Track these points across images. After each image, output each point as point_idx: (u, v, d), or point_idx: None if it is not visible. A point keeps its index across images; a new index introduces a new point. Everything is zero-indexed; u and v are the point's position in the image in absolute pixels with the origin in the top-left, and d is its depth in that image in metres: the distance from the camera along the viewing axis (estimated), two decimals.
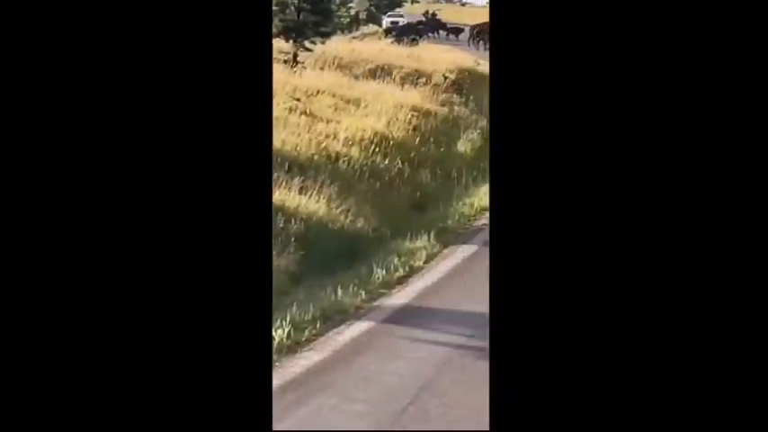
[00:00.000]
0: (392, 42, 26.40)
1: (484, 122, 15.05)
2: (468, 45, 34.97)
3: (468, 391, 4.69)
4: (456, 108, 15.81)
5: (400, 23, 38.21)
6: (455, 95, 17.12)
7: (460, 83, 18.83)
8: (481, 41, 36.05)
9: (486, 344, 5.27)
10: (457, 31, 38.87)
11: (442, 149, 12.08)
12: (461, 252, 7.65)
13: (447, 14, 52.81)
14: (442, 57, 22.32)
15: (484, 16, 55.13)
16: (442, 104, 15.65)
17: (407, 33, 31.05)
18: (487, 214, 9.24)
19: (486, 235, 8.28)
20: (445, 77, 18.38)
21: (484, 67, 23.73)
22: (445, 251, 7.68)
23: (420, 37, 31.88)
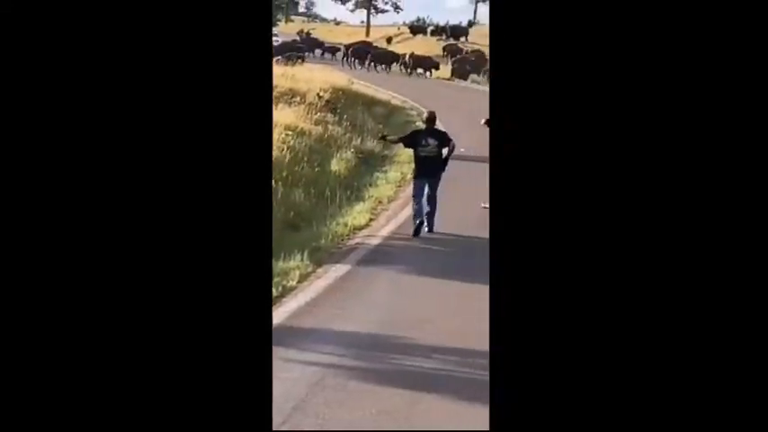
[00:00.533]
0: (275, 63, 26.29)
1: (357, 141, 15.26)
2: (342, 64, 35.40)
3: (340, 409, 4.76)
4: (330, 127, 15.89)
5: (274, 43, 38.15)
6: (329, 114, 17.22)
7: (335, 102, 18.95)
8: (356, 60, 36.63)
9: (356, 363, 5.38)
10: (334, 50, 39.32)
11: (316, 169, 12.12)
12: (334, 272, 7.71)
13: (321, 33, 53.19)
14: (316, 76, 22.40)
15: (359, 35, 56.01)
16: (317, 123, 15.73)
17: (285, 52, 31.09)
18: (360, 233, 9.34)
19: (358, 255, 8.38)
20: (319, 96, 18.45)
21: (357, 86, 24.07)
22: (319, 270, 7.72)
23: (303, 57, 32.06)
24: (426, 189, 9.23)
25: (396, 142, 10.79)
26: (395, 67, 36.96)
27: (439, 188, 9.45)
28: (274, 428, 4.40)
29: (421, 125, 11.97)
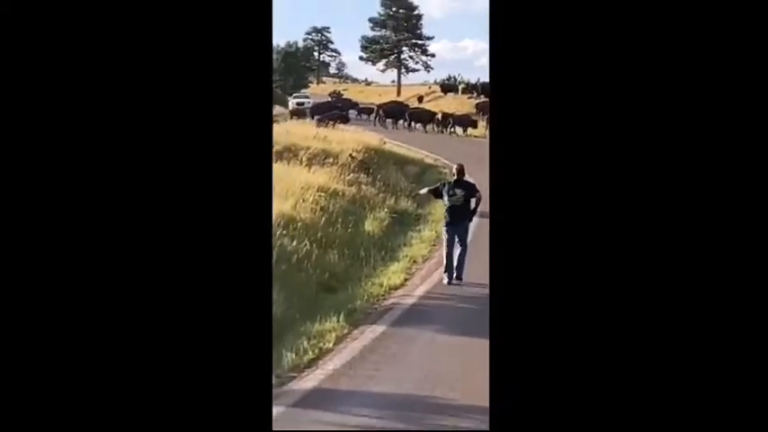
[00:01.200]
0: (317, 125, 26.31)
1: (391, 201, 15.28)
2: (375, 124, 35.63)
3: None
4: (363, 187, 15.90)
5: (305, 104, 38.61)
6: (362, 175, 17.27)
7: (368, 162, 19.04)
8: (388, 120, 36.86)
9: (393, 424, 5.38)
10: (368, 111, 39.59)
11: (349, 230, 12.13)
12: (370, 332, 7.72)
13: (352, 93, 53.63)
14: (348, 137, 22.58)
15: (390, 95, 56.30)
16: (350, 184, 15.76)
17: (323, 113, 31.41)
18: (395, 293, 9.36)
19: (393, 315, 8.40)
20: (352, 157, 18.56)
21: (389, 146, 24.18)
22: (355, 332, 7.73)
23: (347, 118, 32.21)
24: (456, 239, 9.73)
25: (426, 193, 11.13)
26: (428, 126, 37.01)
27: (469, 238, 9.82)
28: None
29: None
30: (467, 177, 10.28)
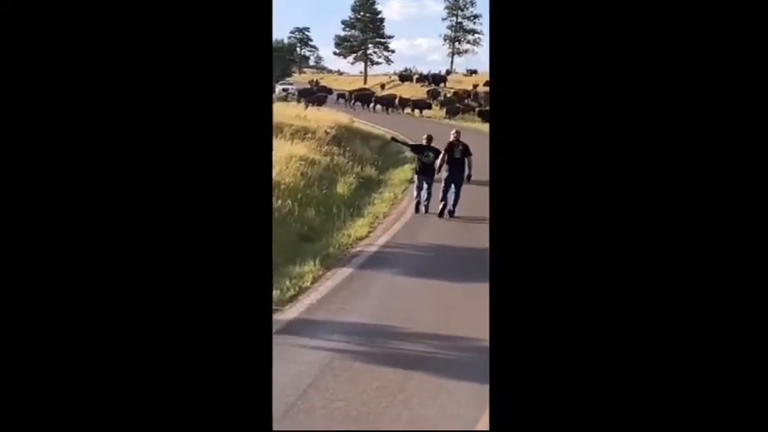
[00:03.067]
0: (305, 106, 27.16)
1: (358, 169, 15.31)
2: (347, 107, 35.70)
3: (346, 385, 4.75)
4: (336, 157, 15.93)
5: (289, 90, 38.56)
6: (335, 147, 17.24)
7: (339, 137, 19.00)
8: (357, 103, 36.82)
9: (359, 347, 5.37)
10: (343, 96, 39.80)
11: (324, 191, 12.18)
12: (340, 274, 7.74)
13: (327, 82, 53.20)
14: (323, 116, 22.47)
15: (358, 83, 56.11)
16: (325, 155, 15.76)
17: (309, 96, 33.75)
18: (360, 243, 9.36)
19: (359, 260, 8.40)
20: (327, 133, 18.51)
21: (357, 124, 24.13)
22: (328, 273, 7.73)
23: (324, 101, 33.89)
24: (425, 185, 11.19)
25: (406, 145, 12.70)
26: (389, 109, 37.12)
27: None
28: (291, 399, 4.41)
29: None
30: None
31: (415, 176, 11.73)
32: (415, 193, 11.45)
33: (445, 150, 10.97)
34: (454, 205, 10.91)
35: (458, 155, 10.86)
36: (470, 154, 10.84)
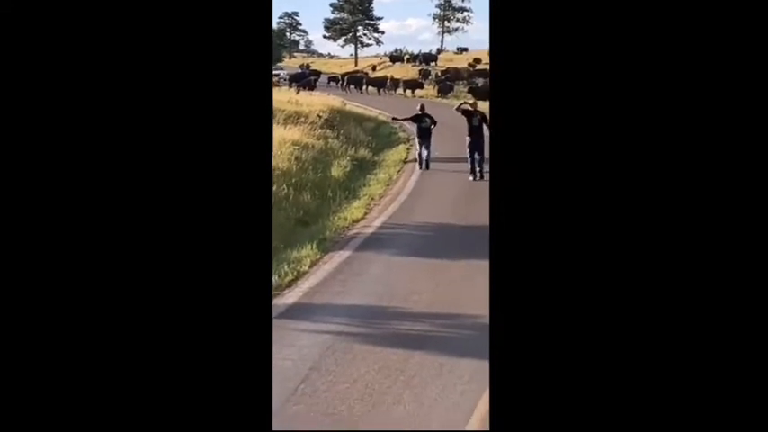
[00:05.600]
0: (296, 91, 26.48)
1: (352, 151, 15.22)
2: (341, 89, 35.55)
3: (348, 367, 4.75)
4: (329, 141, 15.84)
5: (280, 75, 38.22)
6: (328, 131, 17.15)
7: (332, 120, 18.90)
8: (351, 86, 36.62)
9: (359, 329, 5.37)
10: (336, 79, 39.49)
11: (319, 175, 12.10)
12: (338, 257, 7.71)
13: (318, 66, 52.93)
14: (316, 100, 22.30)
15: (349, 66, 55.79)
16: (318, 138, 15.66)
17: (301, 80, 33.30)
18: (357, 225, 9.32)
19: (356, 242, 8.37)
20: (319, 117, 18.42)
21: (350, 107, 23.98)
22: (325, 257, 7.70)
23: (314, 85, 33.44)
24: (423, 146, 13.45)
25: (407, 120, 14.45)
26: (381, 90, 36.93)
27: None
28: (293, 384, 4.41)
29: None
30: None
31: (416, 140, 13.89)
32: (417, 154, 13.75)
33: (465, 112, 12.57)
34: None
35: (476, 123, 12.34)
36: (487, 122, 11.98)
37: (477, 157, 12.13)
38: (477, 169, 12.13)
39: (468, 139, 12.28)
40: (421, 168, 13.28)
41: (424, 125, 13.51)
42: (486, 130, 11.86)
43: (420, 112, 13.72)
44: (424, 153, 13.43)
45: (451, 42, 66.67)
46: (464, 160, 12.40)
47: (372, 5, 68.10)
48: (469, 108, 12.62)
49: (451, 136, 14.34)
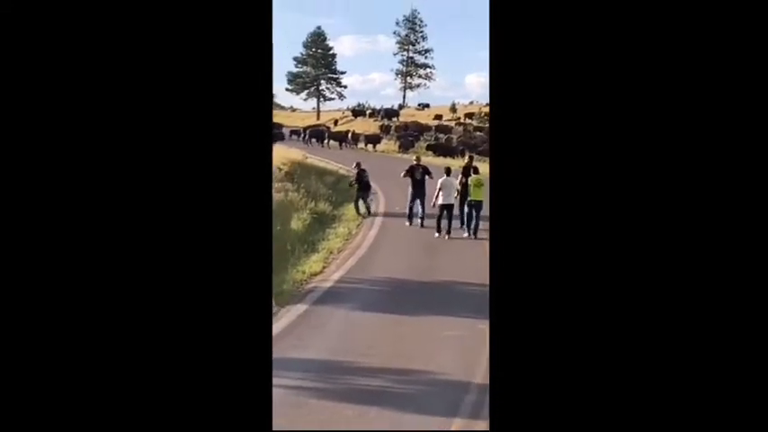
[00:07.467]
0: None
1: (312, 204, 15.28)
2: (303, 142, 35.79)
3: (300, 423, 4.71)
4: (290, 194, 15.88)
5: None
6: (288, 183, 17.21)
7: (293, 173, 18.98)
8: (313, 140, 36.92)
9: (314, 384, 5.34)
10: (297, 132, 39.98)
11: (278, 228, 12.05)
12: (295, 311, 7.69)
13: (280, 118, 52.92)
14: (277, 153, 22.37)
15: (311, 119, 56.19)
16: (278, 191, 15.68)
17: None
18: (315, 279, 9.32)
19: (314, 296, 8.36)
20: (280, 169, 18.49)
21: (311, 160, 24.13)
22: (282, 311, 7.67)
23: (277, 138, 33.22)
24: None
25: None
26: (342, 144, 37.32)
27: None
28: None
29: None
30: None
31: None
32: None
33: (408, 169, 13.57)
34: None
35: (418, 176, 13.39)
36: (431, 173, 13.52)
37: (418, 208, 13.33)
38: (418, 220, 13.21)
39: (410, 189, 13.49)
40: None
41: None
42: (427, 181, 13.41)
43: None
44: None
45: (413, 98, 67.65)
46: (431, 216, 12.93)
47: (335, 60, 69.00)
48: (413, 163, 13.85)
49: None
